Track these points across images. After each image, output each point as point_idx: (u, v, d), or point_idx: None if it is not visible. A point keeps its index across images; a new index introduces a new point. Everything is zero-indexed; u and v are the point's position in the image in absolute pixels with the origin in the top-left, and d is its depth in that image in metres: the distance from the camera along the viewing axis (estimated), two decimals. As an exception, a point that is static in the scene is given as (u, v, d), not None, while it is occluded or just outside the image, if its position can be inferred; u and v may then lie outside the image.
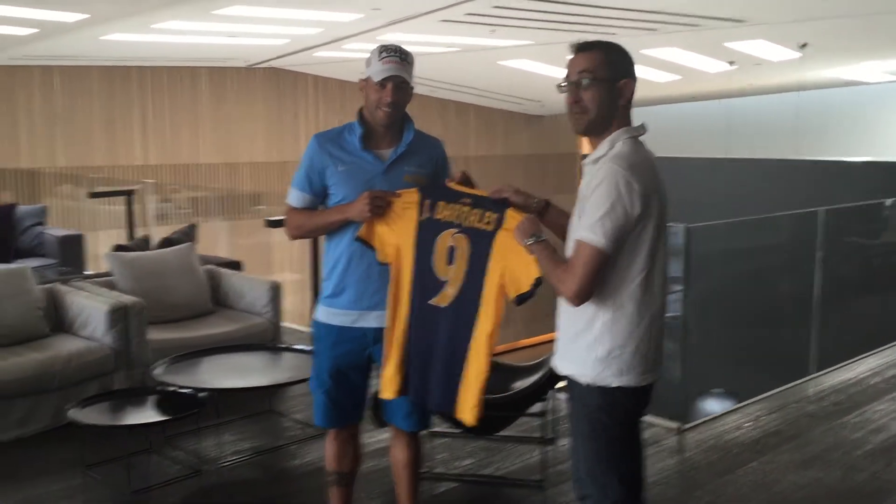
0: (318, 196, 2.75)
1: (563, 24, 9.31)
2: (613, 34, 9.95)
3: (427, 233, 2.58)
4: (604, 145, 2.18)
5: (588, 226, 2.08)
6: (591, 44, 2.19)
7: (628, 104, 2.20)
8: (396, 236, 2.61)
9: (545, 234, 2.28)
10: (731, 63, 12.21)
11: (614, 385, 2.16)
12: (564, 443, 4.00)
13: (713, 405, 5.18)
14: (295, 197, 2.78)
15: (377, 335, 2.72)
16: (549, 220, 2.43)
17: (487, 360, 2.49)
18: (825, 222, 5.73)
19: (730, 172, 11.96)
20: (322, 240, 2.91)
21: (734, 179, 11.72)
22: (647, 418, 4.44)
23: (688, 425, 4.40)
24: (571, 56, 2.20)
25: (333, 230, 2.73)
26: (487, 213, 2.46)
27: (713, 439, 4.25)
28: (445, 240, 2.54)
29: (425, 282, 2.57)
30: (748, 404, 4.80)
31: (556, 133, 17.36)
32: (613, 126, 2.19)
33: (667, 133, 15.56)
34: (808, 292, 5.68)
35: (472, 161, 15.55)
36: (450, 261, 2.53)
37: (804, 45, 10.68)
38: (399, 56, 2.64)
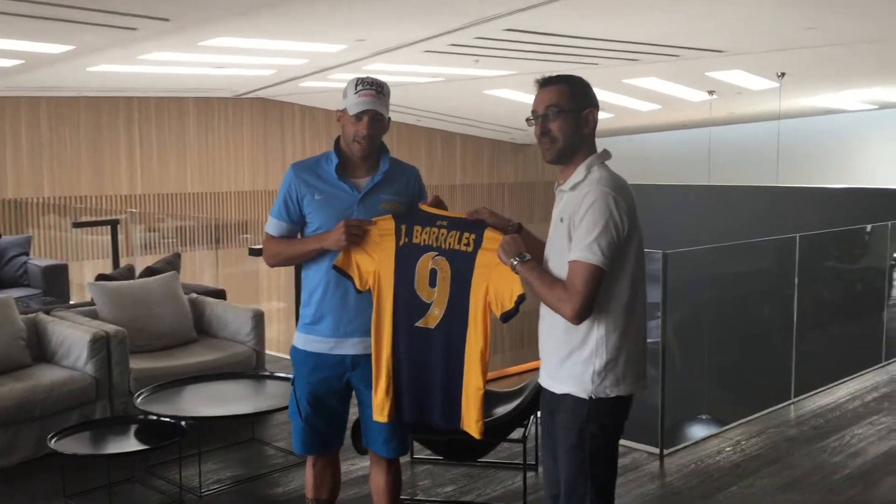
0: (296, 224, 2.79)
1: (546, 55, 9.45)
2: (596, 64, 10.11)
3: (406, 258, 2.62)
4: (580, 171, 2.28)
5: (585, 246, 2.17)
6: (555, 78, 2.32)
7: (593, 132, 2.33)
8: (375, 263, 2.65)
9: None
10: (711, 92, 12.39)
11: (612, 395, 2.26)
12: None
13: (694, 430, 5.20)
14: (273, 226, 2.80)
15: (355, 361, 2.75)
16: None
17: (483, 376, 2.54)
18: (803, 248, 5.80)
19: (711, 199, 12.09)
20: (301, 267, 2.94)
21: (715, 206, 11.84)
22: (628, 443, 4.47)
23: (669, 450, 4.42)
24: (537, 91, 2.33)
25: (310, 259, 2.76)
26: (465, 235, 2.52)
27: (694, 464, 4.28)
28: (426, 263, 2.59)
29: (410, 305, 2.62)
30: (729, 429, 4.83)
31: (543, 161, 17.49)
32: (582, 153, 2.31)
33: (648, 161, 15.75)
34: (788, 317, 5.73)
35: (458, 189, 15.65)
36: (432, 283, 2.58)
37: (783, 75, 10.87)
38: (375, 89, 2.68)
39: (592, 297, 2.17)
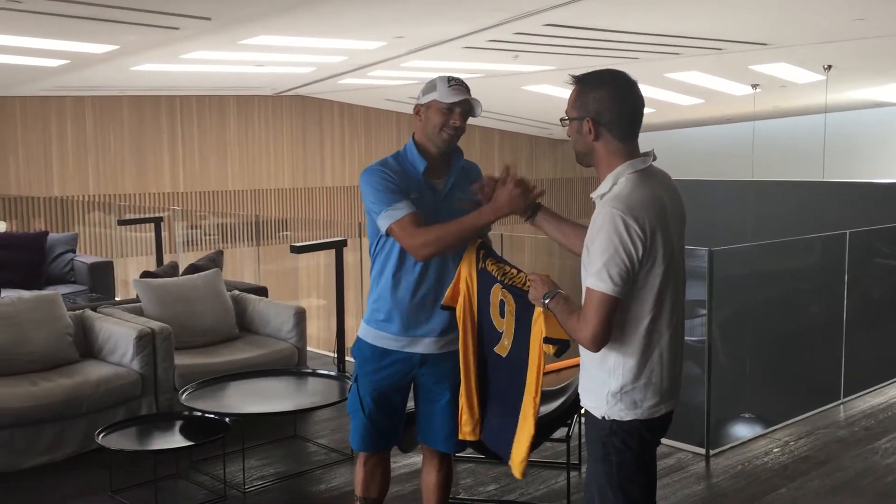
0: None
1: (586, 50, 9.36)
2: (636, 58, 9.99)
3: (484, 282, 2.64)
4: (607, 182, 2.18)
5: (595, 273, 2.09)
6: (575, 79, 2.23)
7: (611, 137, 2.17)
8: (465, 284, 2.68)
9: (560, 287, 2.31)
10: (755, 86, 12.19)
11: (628, 419, 2.18)
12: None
13: (741, 430, 5.11)
14: (401, 206, 2.58)
15: (423, 359, 2.76)
16: (539, 223, 2.55)
17: (533, 422, 2.49)
18: (853, 244, 5.67)
19: (755, 195, 11.88)
20: (364, 264, 2.93)
21: (759, 202, 11.63)
22: (673, 443, 4.40)
23: (715, 451, 4.34)
24: None
25: (387, 257, 2.70)
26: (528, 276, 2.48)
27: (741, 465, 4.20)
28: (497, 293, 2.59)
29: (488, 330, 2.66)
30: (777, 429, 4.73)
31: (581, 157, 17.37)
32: (609, 160, 2.19)
33: (691, 156, 15.54)
34: (837, 315, 5.60)
35: (496, 186, 15.64)
36: (501, 314, 2.59)
37: (829, 68, 10.63)
38: (465, 88, 2.69)
39: (604, 325, 2.09)
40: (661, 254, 2.12)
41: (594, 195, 2.22)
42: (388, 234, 2.64)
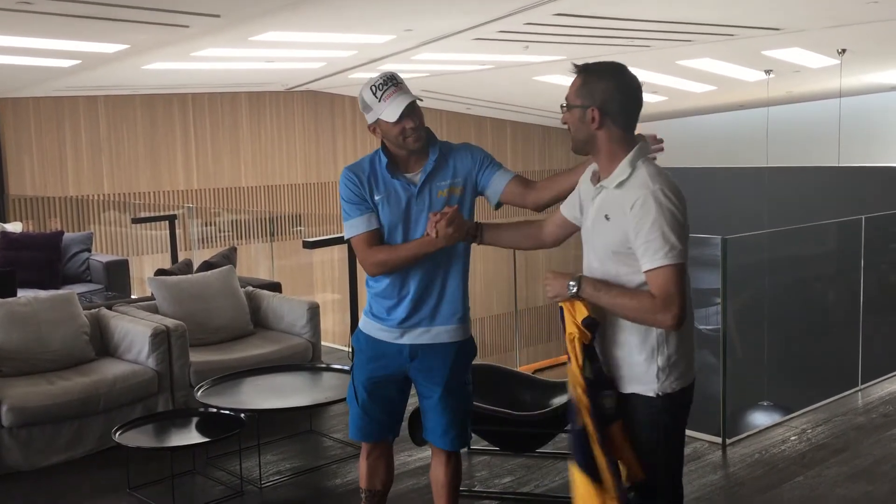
0: (375, 212, 2.71)
1: (597, 38, 9.30)
2: (648, 46, 9.92)
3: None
4: (623, 168, 2.21)
5: (659, 249, 2.11)
6: (578, 68, 2.27)
7: (616, 126, 2.22)
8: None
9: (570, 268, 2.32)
10: (768, 72, 12.07)
11: (678, 389, 2.24)
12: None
13: (758, 418, 5.09)
14: (358, 223, 2.69)
15: (413, 353, 2.75)
16: (487, 241, 2.67)
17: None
18: (869, 230, 5.61)
19: (769, 181, 11.79)
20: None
21: (774, 188, 11.55)
22: (690, 432, 4.37)
23: (732, 440, 4.33)
24: None
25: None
26: None
27: (758, 454, 4.17)
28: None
29: None
30: (794, 417, 4.71)
31: (594, 147, 17.30)
32: (622, 147, 2.23)
33: (704, 143, 15.43)
34: (854, 301, 5.56)
35: (509, 177, 15.61)
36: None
37: (843, 52, 10.52)
38: (392, 84, 2.61)
39: (684, 294, 2.13)
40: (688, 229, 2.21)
41: (607, 183, 2.24)
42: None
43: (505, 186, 2.73)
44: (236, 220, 12.13)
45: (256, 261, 10.37)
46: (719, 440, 4.28)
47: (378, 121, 2.64)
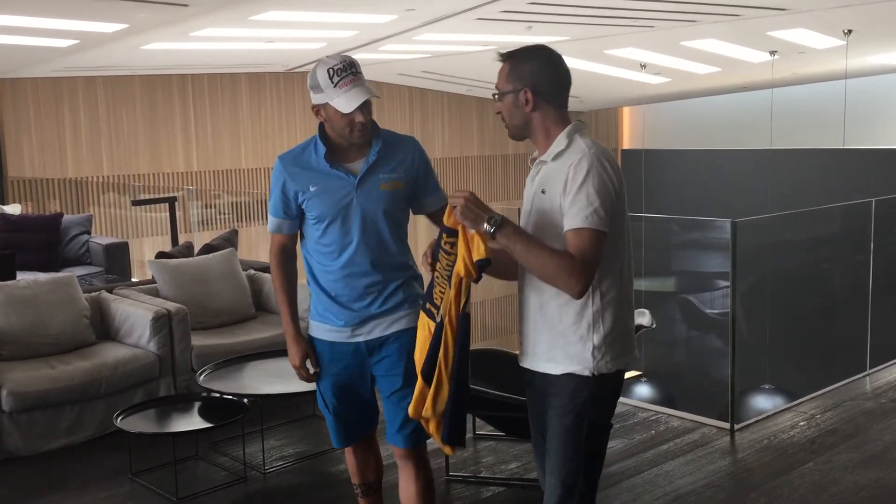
0: (295, 219, 2.63)
1: (600, 19, 9.19)
2: (652, 27, 9.81)
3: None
4: (560, 141, 2.20)
5: (582, 210, 2.07)
6: (503, 55, 2.27)
7: (552, 105, 2.21)
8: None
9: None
10: (773, 53, 11.96)
11: (613, 370, 2.18)
12: (611, 445, 3.92)
13: (766, 404, 5.04)
14: (272, 224, 2.69)
15: (370, 346, 2.62)
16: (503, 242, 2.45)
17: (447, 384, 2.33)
18: (878, 212, 5.55)
19: (774, 164, 11.71)
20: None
21: (779, 171, 11.46)
22: (697, 418, 4.34)
23: (740, 425, 4.28)
24: None
25: (315, 237, 2.62)
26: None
27: (766, 439, 4.13)
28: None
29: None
30: (803, 402, 4.66)
31: (596, 128, 17.19)
32: (557, 123, 2.22)
33: (708, 125, 15.33)
34: (862, 285, 5.50)
35: (511, 159, 15.48)
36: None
37: (849, 32, 10.41)
38: (352, 72, 2.45)
39: (598, 264, 2.08)
40: (623, 203, 2.15)
41: (545, 157, 2.22)
42: None
43: (432, 212, 2.66)
44: (237, 202, 12.05)
45: (257, 243, 10.31)
46: (727, 426, 4.24)
47: (326, 105, 2.47)
